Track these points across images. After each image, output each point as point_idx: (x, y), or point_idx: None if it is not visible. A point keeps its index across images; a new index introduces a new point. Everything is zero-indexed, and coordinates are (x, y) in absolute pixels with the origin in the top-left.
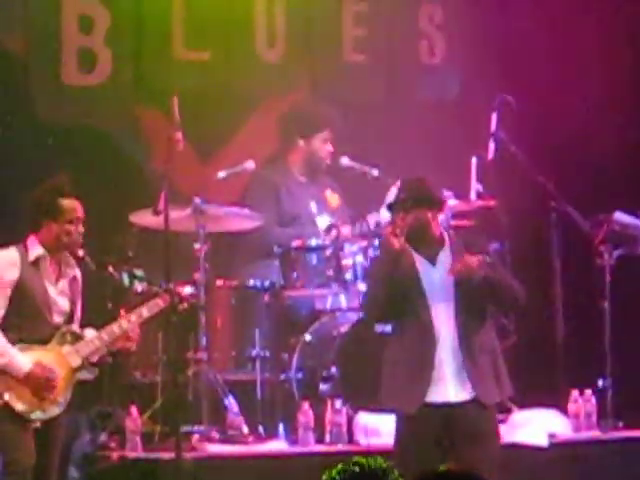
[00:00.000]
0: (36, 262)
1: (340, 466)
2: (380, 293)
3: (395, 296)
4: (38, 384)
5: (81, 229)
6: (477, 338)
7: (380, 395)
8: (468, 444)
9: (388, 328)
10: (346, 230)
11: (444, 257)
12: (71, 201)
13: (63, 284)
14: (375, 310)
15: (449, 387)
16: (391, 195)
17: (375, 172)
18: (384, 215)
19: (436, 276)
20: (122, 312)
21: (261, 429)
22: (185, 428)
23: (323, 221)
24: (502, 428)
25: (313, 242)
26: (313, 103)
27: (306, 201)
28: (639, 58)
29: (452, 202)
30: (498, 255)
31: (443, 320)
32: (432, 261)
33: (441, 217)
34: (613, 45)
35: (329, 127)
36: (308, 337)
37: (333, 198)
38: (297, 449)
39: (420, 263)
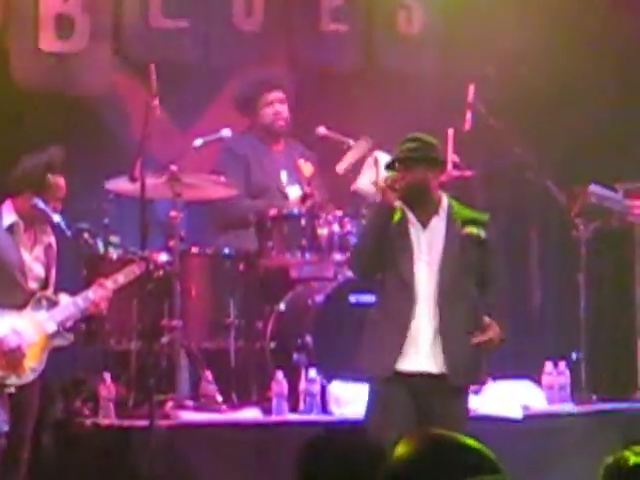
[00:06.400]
0: (10, 228)
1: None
2: (369, 246)
3: (383, 251)
4: (12, 350)
5: (59, 206)
6: (459, 310)
7: (356, 359)
8: (434, 424)
9: (363, 298)
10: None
11: (436, 223)
12: (58, 179)
13: (38, 250)
14: (362, 262)
15: (421, 356)
16: (368, 166)
17: (351, 142)
18: (361, 185)
19: (424, 240)
20: (99, 278)
21: (235, 397)
22: (159, 396)
23: (294, 191)
24: (476, 399)
25: (288, 211)
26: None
27: (276, 171)
28: (618, 25)
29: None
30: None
31: (424, 284)
32: (424, 224)
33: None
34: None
35: (271, 90)
36: (282, 306)
37: (306, 167)
38: (271, 418)
39: (412, 223)
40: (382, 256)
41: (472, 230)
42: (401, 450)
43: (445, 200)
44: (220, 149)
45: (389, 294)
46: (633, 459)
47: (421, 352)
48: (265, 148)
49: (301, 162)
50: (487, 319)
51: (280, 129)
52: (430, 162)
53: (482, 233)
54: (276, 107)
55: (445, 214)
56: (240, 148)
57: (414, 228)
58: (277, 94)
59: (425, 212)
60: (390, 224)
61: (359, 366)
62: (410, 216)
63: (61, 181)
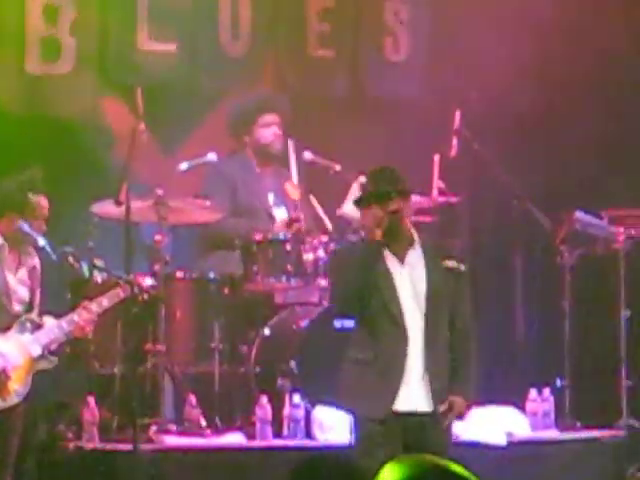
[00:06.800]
0: None
1: None
2: (353, 285)
3: (366, 290)
4: None
5: (44, 227)
6: (440, 344)
7: (342, 394)
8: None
9: (348, 323)
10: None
11: (413, 258)
12: (40, 198)
13: (22, 273)
14: (346, 301)
15: (413, 395)
16: (354, 191)
17: (337, 167)
18: (347, 210)
19: (404, 276)
20: (84, 301)
21: (218, 422)
22: (142, 420)
23: (281, 213)
24: (460, 425)
25: (274, 235)
26: (254, 92)
27: (264, 193)
28: (600, 57)
29: (414, 198)
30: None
31: (412, 320)
32: (401, 259)
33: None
34: (576, 46)
35: (271, 111)
36: (267, 331)
37: (293, 191)
38: (255, 443)
39: (389, 260)
40: (365, 297)
41: (453, 264)
42: (388, 475)
43: (415, 235)
44: (206, 172)
45: (379, 333)
46: None
47: (413, 390)
48: (253, 170)
49: (288, 186)
50: (450, 398)
51: (276, 152)
52: (403, 194)
53: (462, 266)
54: (274, 130)
55: (419, 247)
56: (227, 169)
57: (392, 264)
58: (275, 117)
59: (401, 247)
60: (373, 264)
61: (351, 406)
62: (387, 252)
63: (43, 201)
